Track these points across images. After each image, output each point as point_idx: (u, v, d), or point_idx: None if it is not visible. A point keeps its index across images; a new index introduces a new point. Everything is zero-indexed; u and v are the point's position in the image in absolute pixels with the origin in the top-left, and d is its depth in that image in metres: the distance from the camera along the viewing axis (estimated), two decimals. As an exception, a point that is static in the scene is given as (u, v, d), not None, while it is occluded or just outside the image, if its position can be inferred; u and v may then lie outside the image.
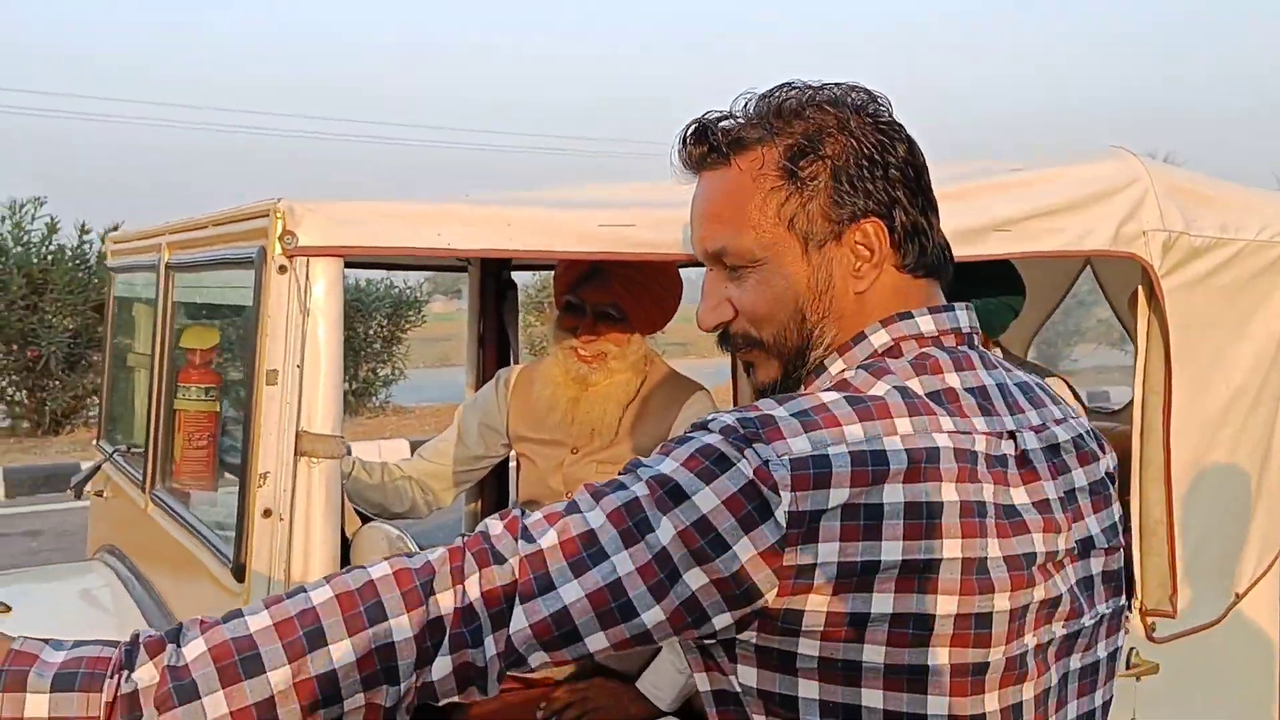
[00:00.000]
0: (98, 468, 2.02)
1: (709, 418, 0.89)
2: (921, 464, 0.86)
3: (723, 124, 0.98)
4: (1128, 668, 2.03)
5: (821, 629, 0.85)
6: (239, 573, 1.25)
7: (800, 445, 0.84)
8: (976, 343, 1.00)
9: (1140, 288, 2.03)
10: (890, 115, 0.99)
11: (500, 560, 0.84)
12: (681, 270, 2.06)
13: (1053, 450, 0.97)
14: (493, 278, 2.50)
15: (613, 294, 1.99)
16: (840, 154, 0.95)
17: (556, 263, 2.06)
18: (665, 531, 0.83)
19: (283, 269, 1.23)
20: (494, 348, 2.55)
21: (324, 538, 1.25)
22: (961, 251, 1.65)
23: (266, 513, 1.23)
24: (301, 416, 1.24)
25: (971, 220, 1.77)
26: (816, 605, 0.84)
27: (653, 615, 0.84)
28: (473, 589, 0.84)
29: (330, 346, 1.26)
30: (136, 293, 2.16)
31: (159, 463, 1.70)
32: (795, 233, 0.96)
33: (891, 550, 0.84)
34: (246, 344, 1.28)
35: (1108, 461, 1.05)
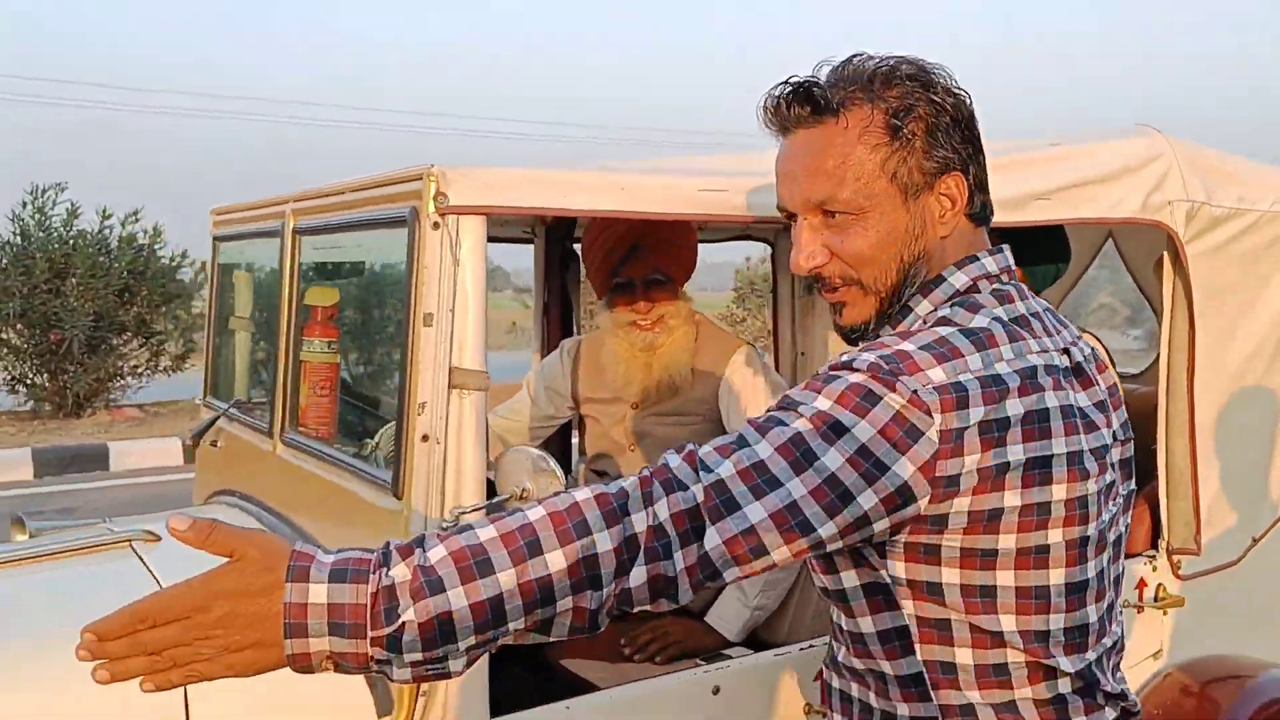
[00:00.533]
0: (214, 420, 2.20)
1: (850, 358, 1.07)
2: (1028, 380, 1.04)
3: (826, 87, 1.15)
4: (1155, 601, 2.22)
5: (964, 525, 1.04)
6: (398, 491, 1.43)
7: (938, 375, 1.02)
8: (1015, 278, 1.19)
9: (1165, 254, 2.22)
10: (956, 82, 1.17)
11: (684, 487, 1.01)
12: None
13: (1087, 362, 1.16)
14: (557, 247, 2.68)
15: (655, 263, 2.20)
16: (932, 115, 1.13)
17: (587, 255, 2.25)
18: (833, 460, 0.99)
19: (436, 225, 1.42)
20: (558, 314, 2.73)
21: (473, 459, 1.43)
22: (1006, 218, 1.83)
23: (424, 438, 1.41)
24: (453, 354, 1.42)
25: (1015, 190, 1.95)
26: (960, 506, 1.03)
27: (827, 529, 1.01)
28: (662, 511, 1.00)
29: (476, 293, 1.44)
30: (243, 259, 2.35)
31: (286, 410, 1.88)
32: (897, 184, 1.13)
33: (1016, 453, 1.02)
34: (402, 292, 1.46)
35: (1110, 373, 1.23)
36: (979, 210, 1.17)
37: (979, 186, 1.16)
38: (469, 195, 1.43)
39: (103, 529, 1.86)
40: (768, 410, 1.08)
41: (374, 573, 0.97)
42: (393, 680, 1.01)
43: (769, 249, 3.13)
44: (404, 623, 0.95)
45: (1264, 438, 2.41)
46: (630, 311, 2.22)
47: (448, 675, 1.00)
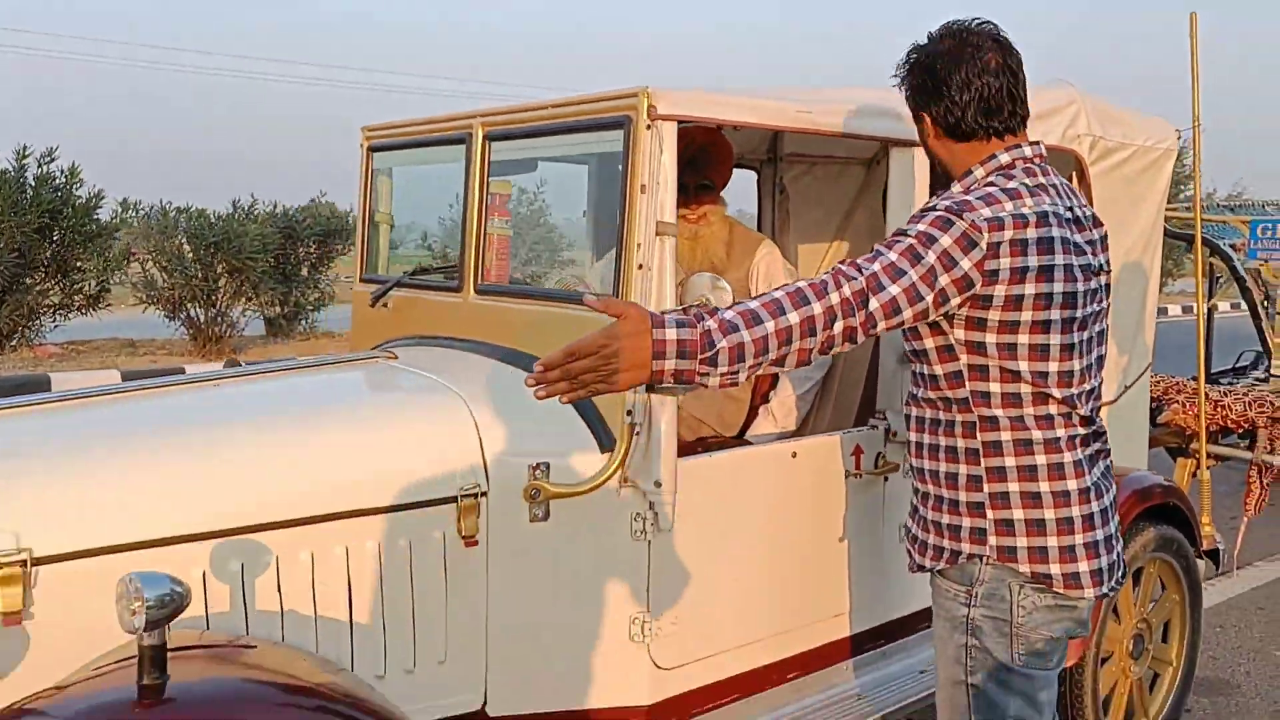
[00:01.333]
0: (393, 284, 2.89)
1: (934, 203, 1.89)
2: (1042, 219, 1.87)
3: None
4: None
5: (1001, 304, 1.86)
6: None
7: (986, 212, 1.85)
8: (1044, 161, 2.03)
9: (1074, 174, 3.12)
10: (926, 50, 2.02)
11: (853, 279, 1.80)
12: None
13: (1085, 218, 2.01)
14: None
15: (703, 173, 2.97)
16: (909, 81, 2.02)
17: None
18: (930, 258, 1.81)
19: (648, 127, 2.16)
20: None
21: (669, 281, 2.20)
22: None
23: (640, 266, 2.17)
24: (656, 211, 2.18)
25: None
26: (999, 292, 1.84)
27: (929, 298, 1.82)
28: (845, 291, 1.79)
29: (671, 173, 2.20)
30: (391, 164, 3.03)
31: (476, 270, 2.59)
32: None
33: (1032, 260, 1.84)
34: (620, 172, 2.20)
35: (1102, 229, 2.09)
36: (959, 131, 1.98)
37: (947, 117, 1.97)
38: (669, 107, 2.18)
39: (346, 352, 2.54)
40: (892, 234, 1.90)
41: (698, 323, 1.74)
42: (706, 386, 1.78)
43: (755, 175, 3.93)
44: (718, 349, 1.73)
45: (1138, 306, 3.37)
46: (683, 209, 2.99)
47: (736, 383, 1.79)
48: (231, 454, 2.02)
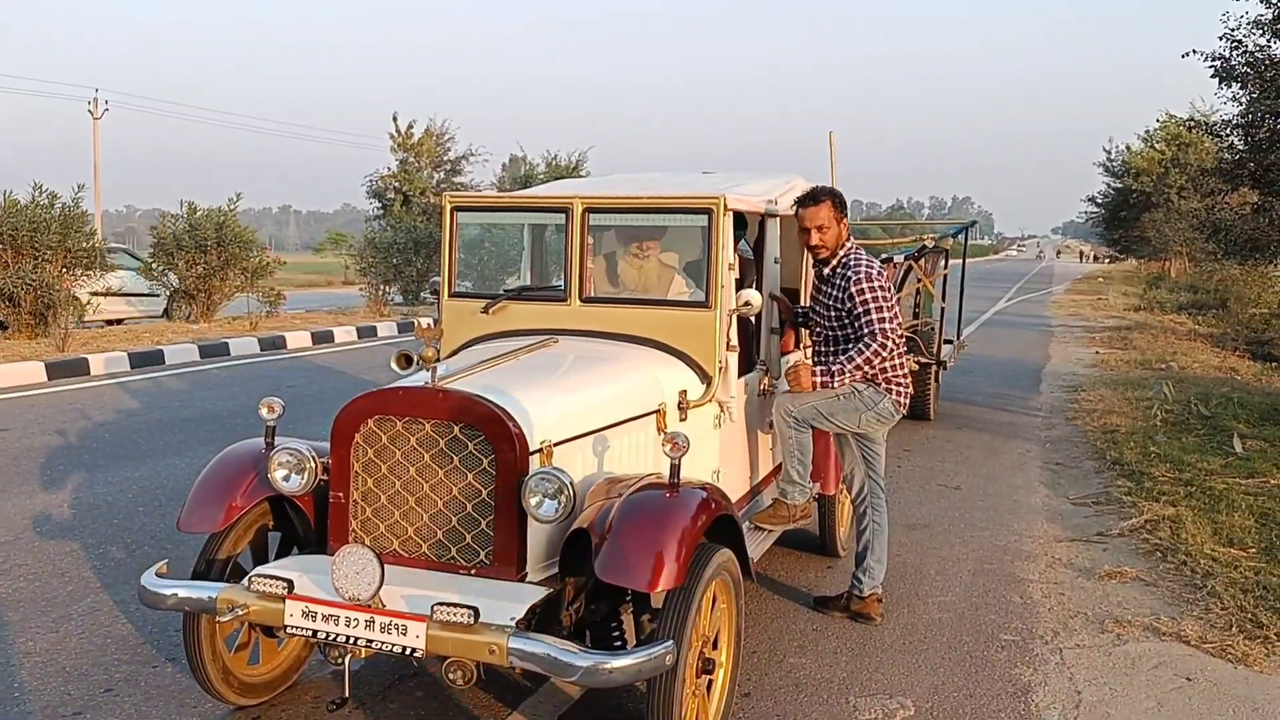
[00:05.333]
0: (505, 297, 4.53)
1: (868, 261, 4.42)
2: (880, 266, 4.50)
3: (817, 196, 4.50)
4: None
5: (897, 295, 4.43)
6: (709, 304, 4.27)
7: (873, 262, 4.43)
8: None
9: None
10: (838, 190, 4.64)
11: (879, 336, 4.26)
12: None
13: (885, 264, 4.65)
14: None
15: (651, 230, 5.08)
16: (839, 202, 4.54)
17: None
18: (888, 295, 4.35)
19: (725, 213, 4.29)
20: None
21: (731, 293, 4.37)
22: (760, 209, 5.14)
23: (731, 266, 4.29)
24: (738, 296, 4.32)
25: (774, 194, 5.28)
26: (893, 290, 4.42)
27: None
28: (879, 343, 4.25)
29: (729, 242, 4.34)
30: (477, 224, 4.65)
31: (579, 286, 4.44)
32: (838, 220, 4.53)
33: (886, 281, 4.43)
34: (705, 248, 4.29)
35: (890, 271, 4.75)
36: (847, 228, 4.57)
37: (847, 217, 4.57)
38: (732, 204, 4.33)
39: (517, 341, 4.26)
40: (868, 294, 4.39)
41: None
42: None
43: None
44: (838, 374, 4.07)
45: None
46: (635, 246, 5.01)
47: (844, 383, 4.12)
48: (606, 384, 3.81)
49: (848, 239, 4.78)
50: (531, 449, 3.35)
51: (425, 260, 22.64)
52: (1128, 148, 48.32)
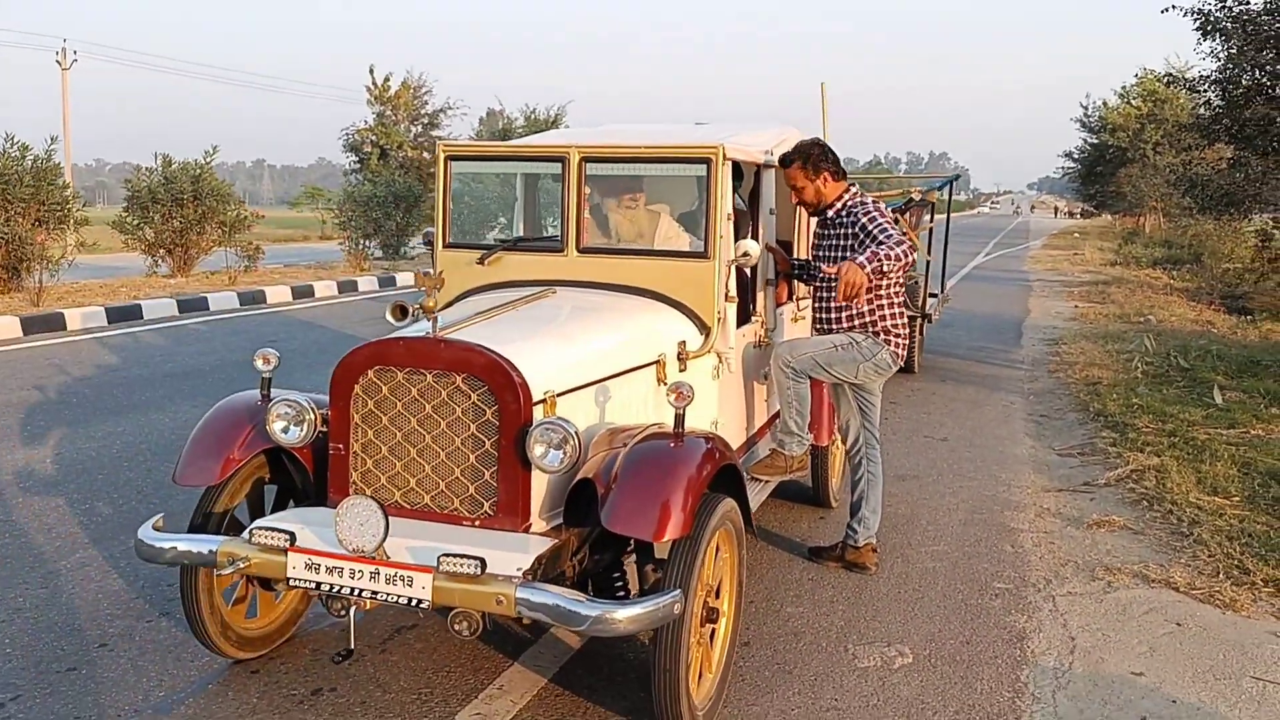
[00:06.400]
0: (497, 247, 4.47)
1: (874, 204, 4.40)
2: (879, 205, 4.49)
3: (787, 159, 4.47)
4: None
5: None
6: (708, 254, 4.23)
7: (880, 205, 4.41)
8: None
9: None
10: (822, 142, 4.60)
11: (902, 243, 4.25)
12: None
13: (885, 207, 4.64)
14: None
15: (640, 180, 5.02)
16: (807, 160, 4.52)
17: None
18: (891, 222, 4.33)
19: (724, 163, 4.23)
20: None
21: (731, 241, 4.33)
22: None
23: (728, 216, 4.25)
24: (724, 202, 4.27)
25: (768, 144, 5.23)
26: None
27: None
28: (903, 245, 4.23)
29: (728, 192, 4.29)
30: (470, 172, 4.57)
31: (576, 237, 4.38)
32: (811, 178, 4.50)
33: (886, 213, 4.42)
34: (703, 190, 4.23)
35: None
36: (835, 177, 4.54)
37: (832, 172, 4.53)
38: (733, 152, 4.27)
39: (514, 292, 4.21)
40: (874, 226, 4.36)
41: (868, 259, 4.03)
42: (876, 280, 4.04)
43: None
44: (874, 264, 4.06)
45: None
46: (626, 195, 4.96)
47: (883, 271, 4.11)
48: (607, 334, 3.78)
49: (848, 188, 4.74)
50: (535, 400, 3.31)
51: (405, 214, 22.44)
52: (1104, 103, 48.29)
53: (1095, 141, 49.08)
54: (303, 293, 16.99)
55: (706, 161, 4.24)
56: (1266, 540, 5.36)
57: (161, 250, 18.10)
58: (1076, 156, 53.39)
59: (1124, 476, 6.72)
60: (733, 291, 4.38)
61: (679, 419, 3.32)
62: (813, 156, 4.69)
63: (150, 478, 6.24)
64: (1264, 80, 15.82)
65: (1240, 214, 22.62)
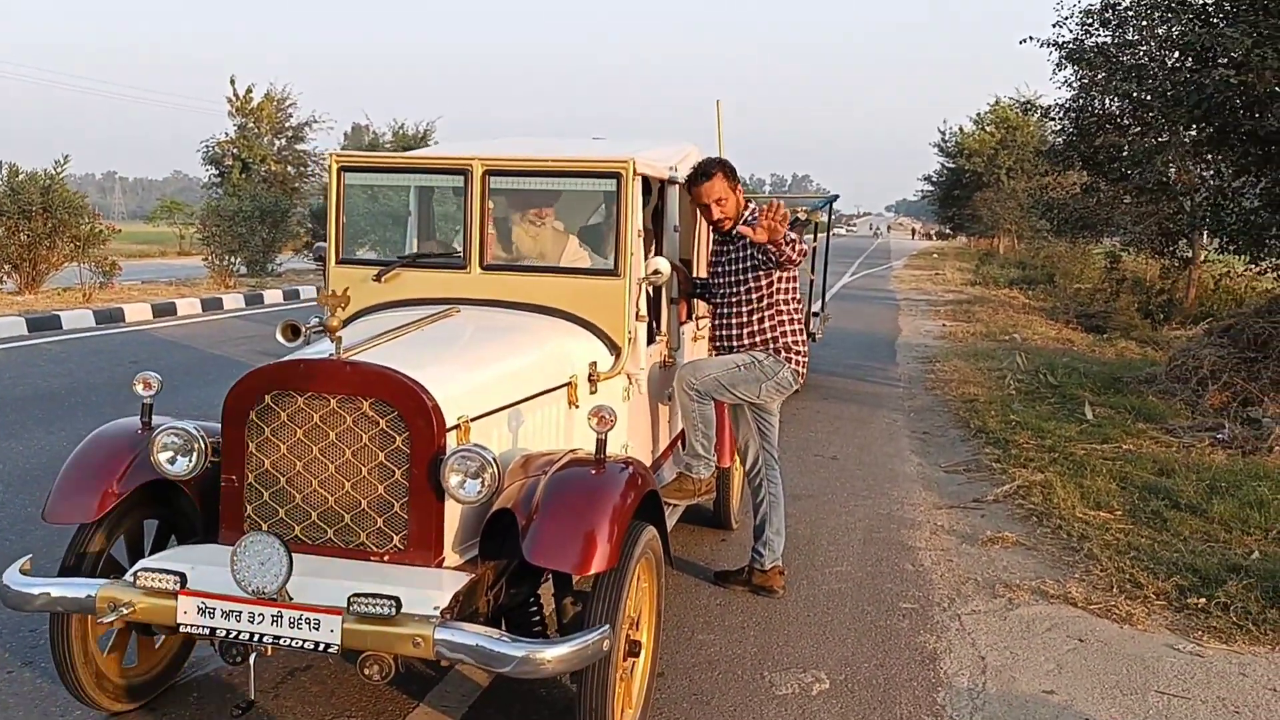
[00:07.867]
0: (395, 263, 4.23)
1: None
2: None
3: (708, 170, 4.41)
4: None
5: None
6: (618, 272, 4.10)
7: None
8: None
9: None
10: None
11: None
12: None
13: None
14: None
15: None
16: (729, 170, 4.46)
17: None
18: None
19: (630, 180, 4.12)
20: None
21: (643, 259, 4.21)
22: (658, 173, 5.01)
23: (639, 232, 4.13)
24: (634, 221, 4.15)
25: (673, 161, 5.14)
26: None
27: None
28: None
29: (639, 208, 4.17)
30: (362, 184, 4.32)
31: (480, 253, 4.19)
32: (733, 189, 4.43)
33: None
34: (611, 205, 4.11)
35: None
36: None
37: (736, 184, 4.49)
38: (641, 169, 4.16)
39: (415, 311, 4.00)
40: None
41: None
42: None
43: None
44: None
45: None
46: (533, 211, 4.79)
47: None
48: (518, 355, 3.60)
49: (747, 203, 4.71)
50: (449, 425, 3.12)
51: (271, 230, 21.66)
52: (960, 129, 50.27)
53: (952, 166, 51.01)
54: (164, 310, 16.17)
55: (617, 176, 4.11)
56: (1153, 554, 5.52)
57: (7, 265, 16.98)
58: (935, 180, 55.38)
59: (1011, 493, 6.85)
60: (643, 310, 4.27)
61: (601, 444, 3.18)
62: (729, 167, 4.63)
63: (3, 511, 5.74)
64: (1113, 110, 16.61)
65: (1093, 237, 23.71)
